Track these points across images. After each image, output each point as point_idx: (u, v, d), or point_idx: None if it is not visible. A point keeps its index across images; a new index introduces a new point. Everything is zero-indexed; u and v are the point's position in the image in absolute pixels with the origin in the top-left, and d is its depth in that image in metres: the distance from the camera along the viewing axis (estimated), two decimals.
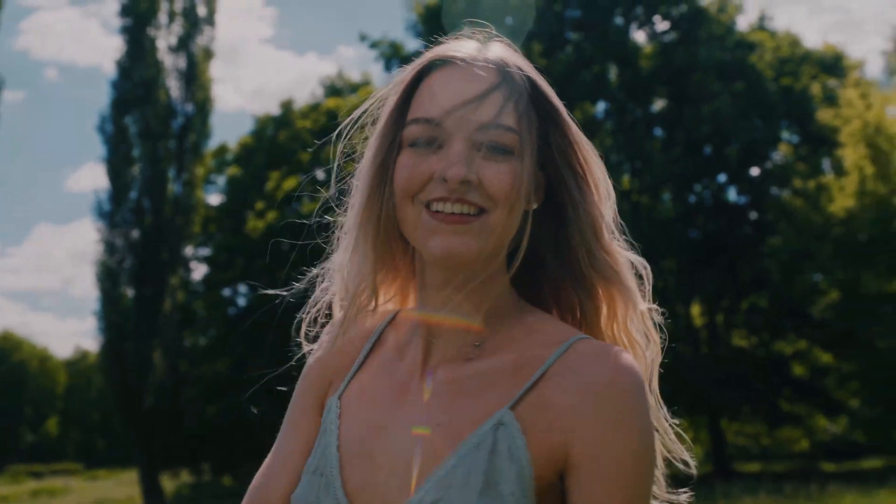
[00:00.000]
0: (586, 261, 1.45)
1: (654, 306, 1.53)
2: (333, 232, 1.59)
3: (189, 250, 35.46)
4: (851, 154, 24.43)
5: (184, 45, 33.48)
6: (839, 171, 26.38)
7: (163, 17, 33.39)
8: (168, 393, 31.68)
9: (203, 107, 33.49)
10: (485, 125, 1.35)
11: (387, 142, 1.43)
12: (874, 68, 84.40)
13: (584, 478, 1.25)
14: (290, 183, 34.65)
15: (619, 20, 32.07)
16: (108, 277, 31.86)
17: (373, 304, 1.51)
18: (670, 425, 1.52)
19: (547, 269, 1.50)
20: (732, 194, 32.56)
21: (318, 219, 1.61)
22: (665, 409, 1.53)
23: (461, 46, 1.45)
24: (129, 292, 32.10)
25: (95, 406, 68.64)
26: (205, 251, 38.88)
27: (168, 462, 34.69)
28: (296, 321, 1.64)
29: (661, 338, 1.54)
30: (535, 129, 1.42)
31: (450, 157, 1.34)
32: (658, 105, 32.33)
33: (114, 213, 32.16)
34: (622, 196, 31.01)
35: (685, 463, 1.54)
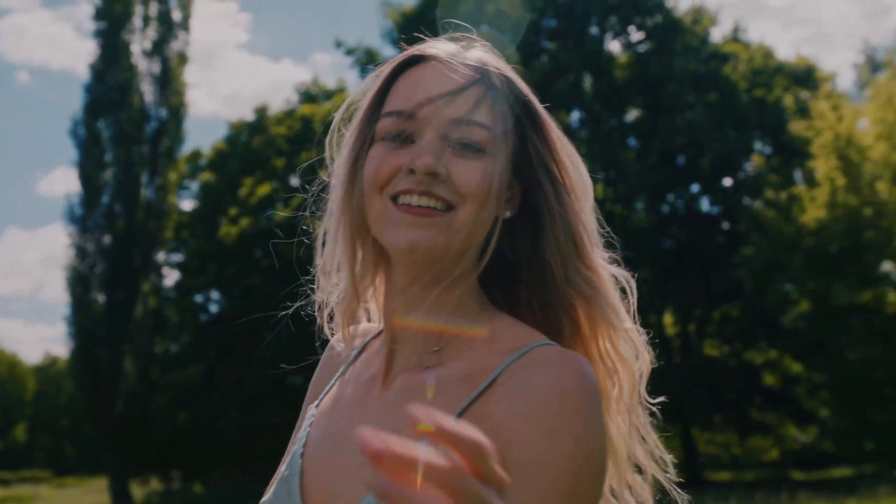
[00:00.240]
0: (562, 274, 1.40)
1: (636, 326, 1.47)
2: (309, 238, 1.57)
3: (161, 256, 35.26)
4: (823, 165, 24.64)
5: (158, 49, 33.34)
6: (811, 182, 26.60)
7: (137, 21, 33.25)
8: (139, 399, 31.47)
9: (177, 112, 33.35)
10: (458, 120, 1.33)
11: (361, 137, 1.42)
12: (845, 81, 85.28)
13: (515, 486, 1.15)
14: (263, 189, 34.56)
15: (594, 30, 32.24)
16: (80, 282, 31.64)
17: (357, 305, 1.47)
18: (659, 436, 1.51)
19: (525, 282, 1.46)
20: (705, 204, 32.80)
21: (304, 214, 1.59)
22: (650, 421, 1.51)
23: (441, 45, 1.44)
24: (101, 298, 31.88)
25: (65, 412, 68.04)
26: (177, 257, 38.69)
27: (138, 469, 34.43)
28: (316, 326, 1.58)
29: (650, 353, 1.48)
30: (512, 132, 1.39)
31: (419, 148, 1.33)
32: (632, 115, 32.51)
33: (86, 217, 31.96)
34: (596, 205, 31.08)
35: (667, 473, 1.52)
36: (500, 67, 1.43)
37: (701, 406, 30.97)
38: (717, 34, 35.37)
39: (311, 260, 1.55)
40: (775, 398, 32.29)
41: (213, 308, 37.77)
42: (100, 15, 32.81)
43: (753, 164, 31.18)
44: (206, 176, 39.06)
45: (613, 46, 32.95)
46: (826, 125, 24.83)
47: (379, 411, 1.38)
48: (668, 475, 1.52)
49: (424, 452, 0.72)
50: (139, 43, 33.27)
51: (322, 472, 1.38)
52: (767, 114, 31.21)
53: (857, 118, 24.97)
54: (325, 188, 1.53)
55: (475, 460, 0.75)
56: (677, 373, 31.00)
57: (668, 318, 33.31)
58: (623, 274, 1.50)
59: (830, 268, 24.35)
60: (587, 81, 31.97)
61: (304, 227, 1.57)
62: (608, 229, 1.57)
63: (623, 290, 1.50)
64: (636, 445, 1.47)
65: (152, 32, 33.42)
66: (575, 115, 32.82)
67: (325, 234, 1.50)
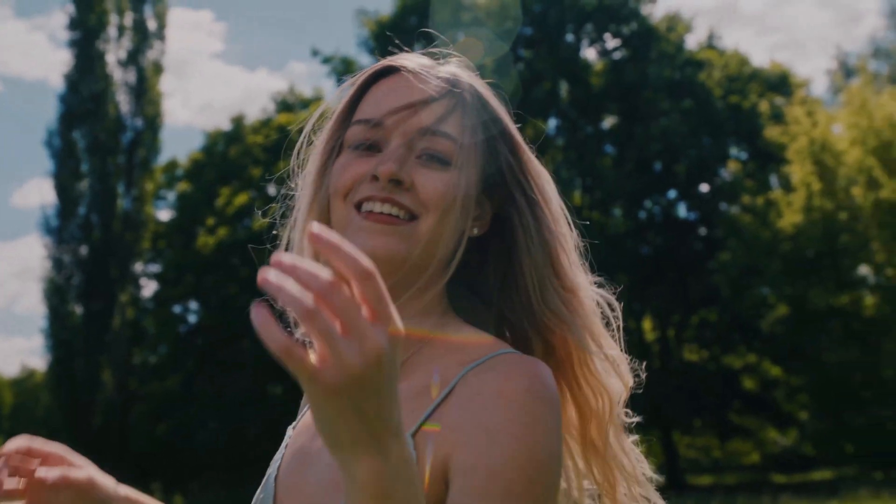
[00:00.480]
0: (538, 296, 1.39)
1: (619, 351, 1.46)
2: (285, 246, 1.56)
3: (139, 266, 35.05)
4: (798, 170, 24.82)
5: (133, 59, 33.18)
6: (787, 187, 26.77)
7: (112, 31, 33.08)
8: (117, 411, 31.24)
9: (153, 121, 33.19)
10: (424, 130, 1.33)
11: (329, 145, 1.42)
12: (819, 87, 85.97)
13: (457, 486, 1.14)
14: (241, 199, 34.43)
15: (570, 38, 32.33)
16: (56, 294, 31.42)
17: None
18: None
19: (503, 303, 1.44)
20: (682, 210, 32.94)
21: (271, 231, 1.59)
22: (629, 434, 1.50)
23: (414, 58, 1.45)
24: (78, 309, 31.65)
25: (42, 425, 67.58)
26: (155, 267, 38.47)
27: (117, 480, 34.14)
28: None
29: (630, 378, 1.47)
30: (481, 147, 1.39)
31: (384, 156, 1.33)
32: (609, 122, 32.62)
33: (61, 228, 31.74)
34: (573, 212, 31.15)
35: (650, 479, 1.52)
36: (472, 83, 1.43)
37: (681, 410, 31.06)
38: (692, 41, 35.59)
39: None
40: (754, 402, 32.43)
41: (192, 318, 37.57)
42: (74, 25, 32.63)
43: (729, 169, 31.34)
44: (183, 186, 38.87)
45: (589, 54, 33.11)
46: (801, 131, 25.01)
47: None
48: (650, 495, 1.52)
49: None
50: (114, 53, 33.11)
51: (292, 495, 1.38)
52: (743, 120, 31.40)
53: (831, 124, 25.16)
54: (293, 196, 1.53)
55: (364, 283, 0.85)
56: (657, 378, 31.08)
57: (646, 324, 33.40)
58: (606, 297, 1.49)
59: (807, 272, 24.50)
60: (563, 89, 32.07)
61: (277, 235, 1.56)
62: (586, 242, 1.55)
63: (612, 307, 1.50)
64: (619, 467, 1.45)
65: (127, 42, 33.27)
66: (551, 123, 32.91)
67: (288, 242, 1.49)
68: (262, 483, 1.46)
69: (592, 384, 1.41)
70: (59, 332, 31.12)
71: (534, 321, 1.39)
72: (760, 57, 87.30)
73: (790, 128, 25.77)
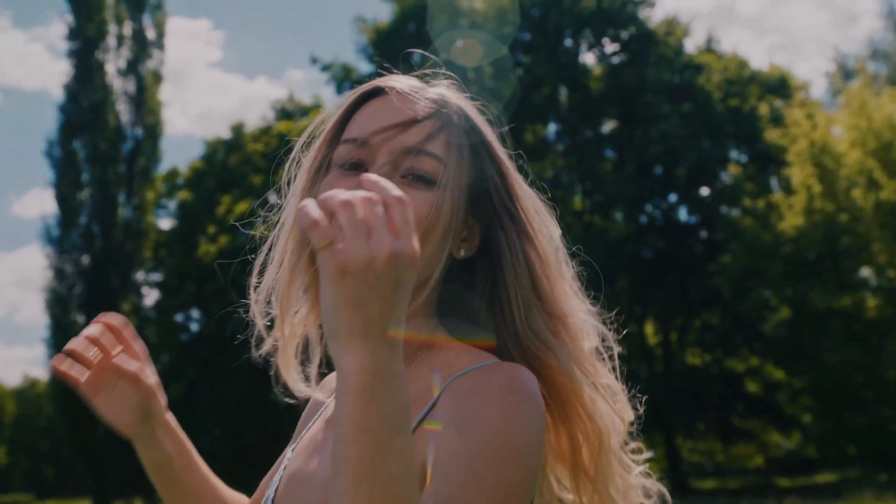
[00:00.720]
0: (524, 322, 1.38)
1: (610, 380, 1.45)
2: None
3: (140, 275, 35.06)
4: (799, 173, 24.82)
5: (133, 68, 33.24)
6: (787, 189, 26.78)
7: (111, 41, 33.15)
8: None
9: (153, 130, 33.25)
10: (409, 149, 1.34)
11: (317, 164, 1.44)
12: (818, 89, 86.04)
13: (432, 478, 1.15)
14: (241, 207, 34.46)
15: (568, 42, 32.36)
16: (58, 304, 31.44)
17: (285, 334, 1.47)
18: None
19: (487, 326, 1.43)
20: (683, 214, 32.93)
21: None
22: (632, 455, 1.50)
23: (403, 79, 1.45)
24: (80, 319, 31.66)
25: (45, 435, 67.45)
26: (156, 276, 38.49)
27: (120, 491, 34.18)
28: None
29: (625, 408, 1.46)
30: (467, 168, 1.40)
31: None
32: (608, 126, 32.64)
33: (63, 238, 31.79)
34: (574, 216, 31.21)
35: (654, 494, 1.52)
36: (460, 103, 1.44)
37: (684, 414, 31.05)
38: (691, 45, 35.62)
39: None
40: (757, 405, 32.40)
41: (194, 327, 37.59)
42: (73, 35, 32.69)
43: (730, 172, 31.36)
44: (184, 195, 38.92)
45: (588, 58, 33.13)
46: (801, 133, 25.03)
47: (329, 450, 1.38)
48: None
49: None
50: (113, 62, 33.18)
51: None
52: (742, 123, 31.41)
53: (830, 126, 25.17)
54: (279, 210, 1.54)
55: (395, 206, 0.99)
56: (659, 381, 31.08)
57: (649, 328, 33.39)
58: (598, 327, 1.48)
59: (809, 274, 24.50)
60: (562, 94, 32.09)
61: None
62: (577, 255, 1.55)
63: (604, 337, 1.49)
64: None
65: (126, 52, 33.33)
66: (551, 128, 32.98)
67: (265, 259, 1.51)
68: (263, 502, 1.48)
69: (581, 413, 1.40)
70: (62, 341, 31.05)
71: (519, 346, 1.38)
72: (758, 58, 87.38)
73: (790, 130, 25.79)
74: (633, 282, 30.69)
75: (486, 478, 1.13)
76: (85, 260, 31.82)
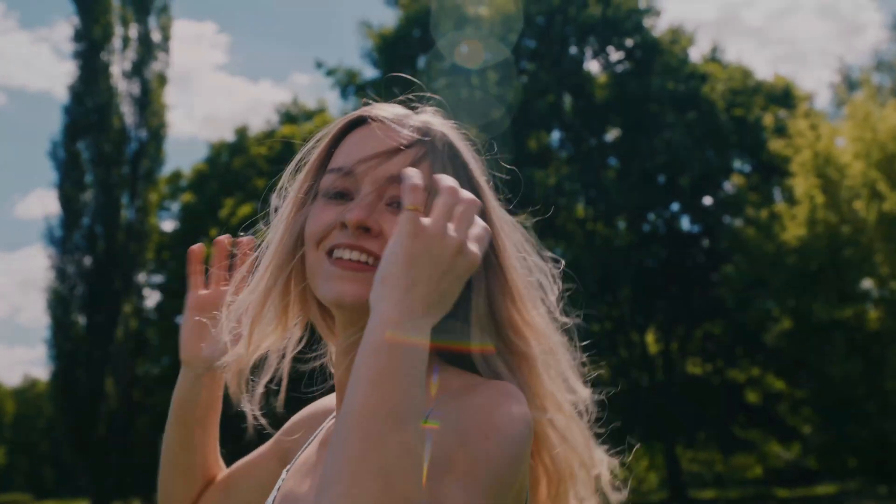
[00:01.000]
0: (479, 357, 1.38)
1: (568, 417, 1.42)
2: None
3: (142, 277, 35.11)
4: (802, 183, 24.81)
5: (138, 70, 33.31)
6: (790, 200, 26.76)
7: (117, 43, 33.22)
8: (120, 422, 31.24)
9: (157, 133, 33.31)
10: (393, 177, 1.36)
11: (304, 192, 1.46)
12: (822, 100, 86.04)
13: (427, 483, 1.15)
14: (244, 210, 34.48)
15: (573, 50, 32.37)
16: (60, 304, 31.46)
17: (246, 354, 1.49)
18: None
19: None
20: (686, 223, 32.92)
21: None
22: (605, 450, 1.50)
23: (388, 108, 1.47)
24: (81, 320, 31.69)
25: (45, 435, 67.47)
26: (158, 278, 38.51)
27: (119, 492, 34.16)
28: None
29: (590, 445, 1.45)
30: None
31: (353, 204, 1.36)
32: (612, 134, 32.63)
33: (65, 239, 31.82)
34: (577, 224, 31.21)
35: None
36: (445, 131, 1.46)
37: (684, 424, 30.99)
38: (696, 54, 35.61)
39: None
40: (758, 415, 32.34)
41: None
42: (79, 36, 32.77)
43: (733, 182, 31.36)
44: (187, 197, 38.96)
45: (592, 67, 33.13)
46: (805, 144, 25.02)
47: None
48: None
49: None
50: (119, 64, 33.25)
51: None
52: (746, 133, 31.41)
53: (834, 136, 25.17)
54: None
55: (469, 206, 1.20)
56: (661, 391, 31.04)
57: (650, 336, 33.37)
58: (563, 342, 1.48)
59: (811, 285, 24.47)
60: (567, 101, 32.09)
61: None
62: (556, 277, 1.54)
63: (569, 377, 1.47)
64: None
65: (132, 54, 33.41)
66: (555, 135, 32.96)
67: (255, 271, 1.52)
68: None
69: (540, 449, 1.38)
70: (63, 342, 31.15)
71: (487, 371, 1.38)
72: (763, 68, 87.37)
73: (794, 141, 25.79)
74: (635, 290, 30.66)
75: (474, 483, 1.14)
76: (87, 261, 31.86)
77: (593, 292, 28.45)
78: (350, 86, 33.35)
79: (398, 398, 1.06)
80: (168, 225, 39.64)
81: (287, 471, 1.56)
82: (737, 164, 33.07)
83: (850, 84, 32.44)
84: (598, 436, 1.53)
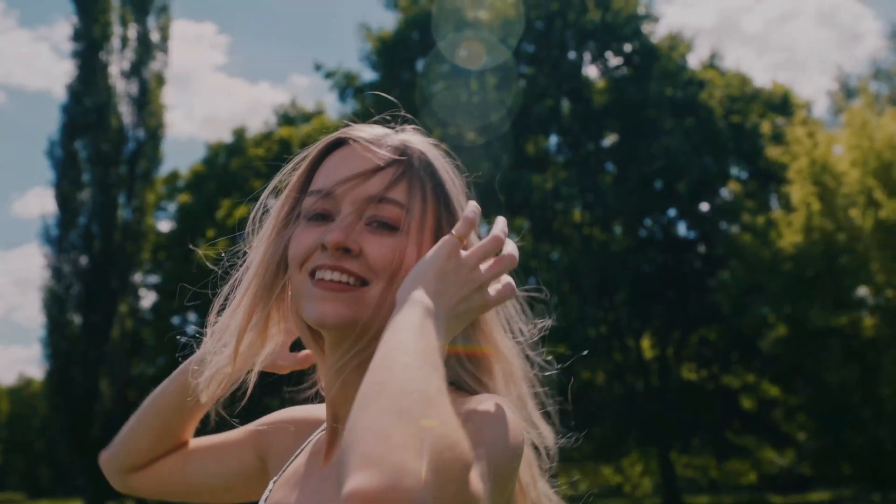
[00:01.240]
0: (457, 360, 1.40)
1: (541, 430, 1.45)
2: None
3: (138, 277, 35.08)
4: (799, 191, 24.82)
5: (136, 70, 33.32)
6: (787, 207, 26.79)
7: (115, 43, 33.23)
8: (116, 422, 31.19)
9: (155, 133, 33.32)
10: (371, 198, 1.38)
11: (285, 214, 1.48)
12: (820, 107, 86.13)
13: None
14: (241, 211, 34.39)
15: (572, 55, 32.41)
16: (55, 304, 31.44)
17: (231, 370, 1.54)
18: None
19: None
20: (682, 229, 32.95)
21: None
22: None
23: (367, 128, 1.49)
24: (77, 319, 31.67)
25: (39, 435, 67.41)
26: (154, 278, 38.50)
27: (114, 492, 34.13)
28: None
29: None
30: (431, 211, 1.43)
31: (333, 225, 1.38)
32: (610, 139, 32.66)
33: (62, 238, 31.81)
34: (574, 228, 31.23)
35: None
36: (423, 149, 1.47)
37: (679, 429, 31.00)
38: (694, 60, 35.65)
39: None
40: (753, 421, 32.35)
41: (191, 330, 37.53)
42: (78, 36, 32.77)
43: (730, 189, 31.38)
44: (184, 197, 38.96)
45: (591, 71, 33.17)
46: (802, 151, 25.04)
47: (317, 485, 1.43)
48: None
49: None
50: (117, 64, 33.26)
51: None
52: (744, 139, 31.45)
53: (831, 144, 25.19)
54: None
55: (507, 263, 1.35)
56: (656, 396, 31.05)
57: (646, 342, 33.37)
58: (527, 372, 1.48)
59: (807, 291, 24.49)
60: (565, 106, 32.11)
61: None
62: (541, 283, 1.55)
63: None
64: None
65: (131, 54, 33.42)
66: (553, 140, 32.97)
67: (226, 297, 1.56)
68: None
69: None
70: (58, 341, 31.12)
71: (475, 385, 1.40)
72: (761, 75, 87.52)
73: (791, 148, 25.81)
74: (631, 295, 30.67)
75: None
76: (83, 260, 31.85)
77: (589, 297, 28.48)
78: (349, 88, 33.33)
79: (435, 356, 1.09)
80: (165, 225, 39.69)
81: (274, 482, 1.57)
82: (734, 170, 33.12)
83: (847, 92, 32.50)
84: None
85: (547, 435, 1.47)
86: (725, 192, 32.12)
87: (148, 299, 38.50)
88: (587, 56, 32.73)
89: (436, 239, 1.41)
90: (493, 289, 1.34)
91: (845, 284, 24.39)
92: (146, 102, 33.11)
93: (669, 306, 31.54)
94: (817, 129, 25.96)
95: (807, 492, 32.63)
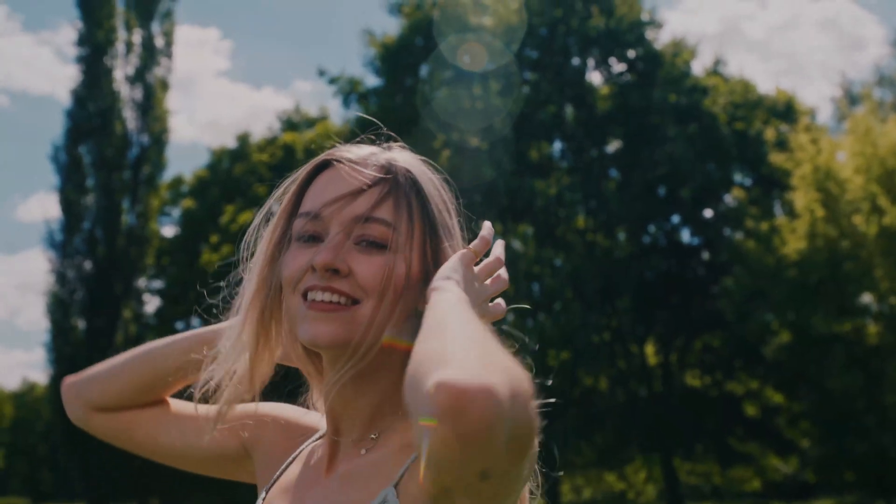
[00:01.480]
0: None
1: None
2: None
3: (142, 282, 35.11)
4: (802, 197, 24.79)
5: (140, 75, 33.36)
6: (791, 213, 26.76)
7: (120, 47, 33.29)
8: None
9: (159, 138, 33.34)
10: (359, 217, 1.40)
11: (277, 237, 1.50)
12: (823, 114, 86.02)
13: None
14: (245, 216, 34.49)
15: (575, 61, 32.42)
16: (59, 308, 31.45)
17: (249, 393, 1.53)
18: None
19: None
20: (686, 235, 32.94)
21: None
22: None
23: (354, 149, 1.51)
24: (81, 324, 31.68)
25: (43, 439, 67.40)
26: (158, 284, 38.51)
27: (116, 495, 34.13)
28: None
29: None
30: (418, 228, 1.45)
31: (322, 246, 1.40)
32: (613, 146, 32.65)
33: (66, 243, 31.83)
34: (577, 234, 31.21)
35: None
36: (409, 167, 1.48)
37: (682, 436, 30.95)
38: (698, 67, 35.65)
39: None
40: (756, 428, 32.30)
41: None
42: (82, 40, 32.82)
43: (734, 195, 31.36)
44: (188, 203, 38.97)
45: (594, 78, 33.18)
46: (805, 157, 25.01)
47: (319, 497, 1.43)
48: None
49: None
50: (122, 69, 33.30)
51: None
52: (747, 146, 31.44)
53: (835, 151, 25.17)
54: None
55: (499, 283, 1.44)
56: (659, 402, 31.01)
57: (649, 348, 33.34)
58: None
59: (811, 298, 24.45)
60: (568, 112, 32.12)
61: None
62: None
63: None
64: None
65: (135, 59, 33.46)
66: (557, 146, 32.98)
67: (234, 315, 1.56)
68: None
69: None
70: (62, 346, 31.13)
71: None
72: (764, 82, 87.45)
73: (794, 154, 25.78)
74: (635, 302, 30.65)
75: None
76: (87, 265, 31.86)
77: (592, 303, 28.47)
78: (352, 94, 33.34)
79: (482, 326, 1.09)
80: (168, 230, 39.70)
81: (267, 490, 1.57)
82: (737, 177, 33.10)
83: (851, 99, 32.45)
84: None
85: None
86: (729, 199, 32.10)
87: (152, 304, 38.54)
88: (591, 62, 32.76)
89: (423, 254, 1.44)
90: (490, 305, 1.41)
91: (849, 291, 24.35)
92: (150, 107, 33.15)
93: (673, 312, 31.52)
94: (821, 136, 25.93)
95: (810, 499, 32.54)
